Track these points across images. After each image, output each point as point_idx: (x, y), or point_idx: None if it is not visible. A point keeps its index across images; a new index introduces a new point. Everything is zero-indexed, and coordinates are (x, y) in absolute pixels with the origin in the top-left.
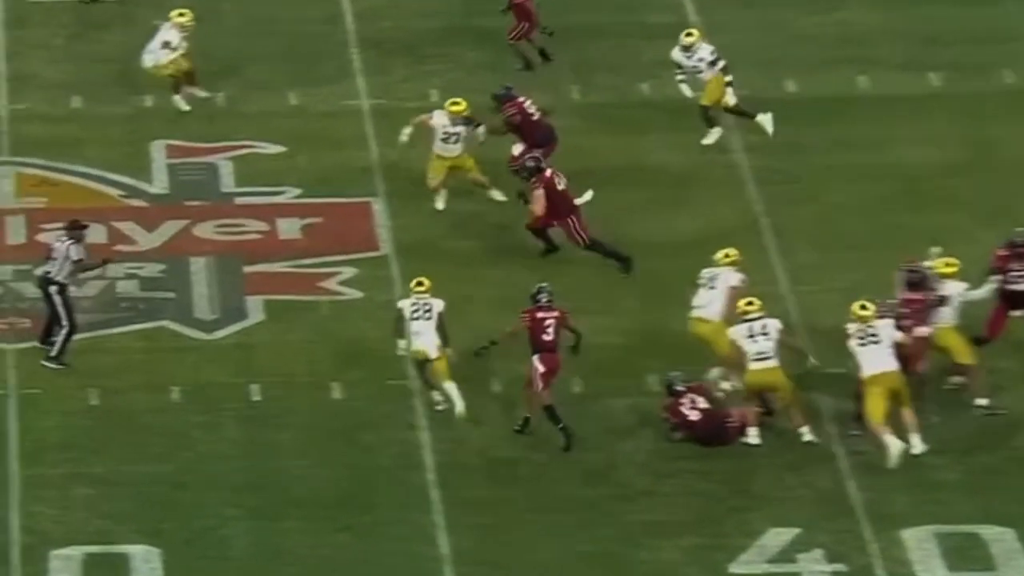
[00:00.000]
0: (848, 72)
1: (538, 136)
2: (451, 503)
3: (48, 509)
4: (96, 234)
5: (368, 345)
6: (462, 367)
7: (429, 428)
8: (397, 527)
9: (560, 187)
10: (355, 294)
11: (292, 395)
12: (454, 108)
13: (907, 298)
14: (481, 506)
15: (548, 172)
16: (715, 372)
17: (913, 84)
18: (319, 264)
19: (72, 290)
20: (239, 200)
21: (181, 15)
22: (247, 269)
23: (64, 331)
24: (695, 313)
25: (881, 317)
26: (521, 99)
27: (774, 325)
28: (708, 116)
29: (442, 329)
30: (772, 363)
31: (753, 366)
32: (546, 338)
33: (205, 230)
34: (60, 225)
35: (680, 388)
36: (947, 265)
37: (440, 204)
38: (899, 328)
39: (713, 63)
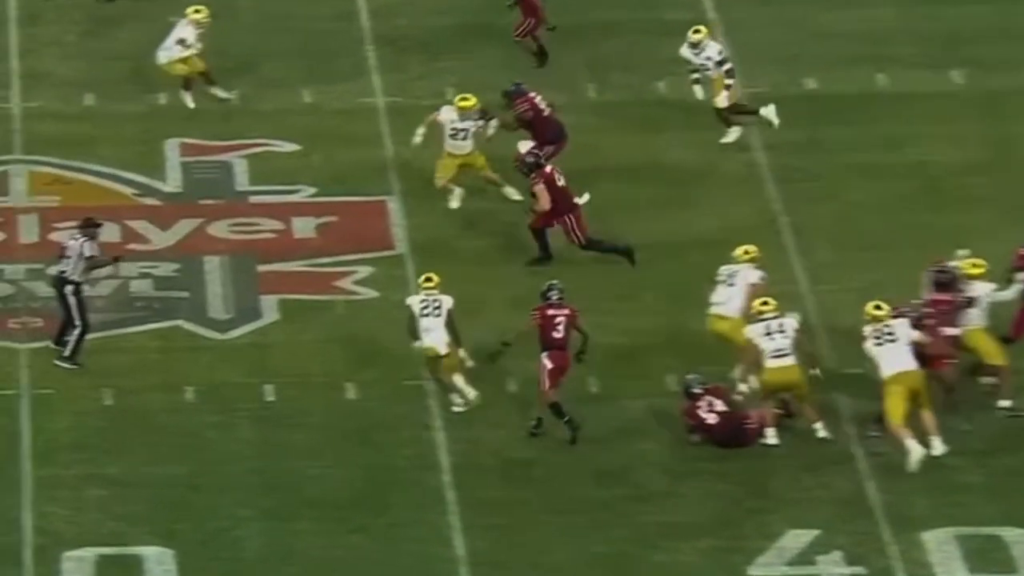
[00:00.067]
0: (868, 69)
1: (548, 133)
2: (466, 504)
3: (61, 510)
4: (110, 233)
5: (383, 345)
6: (477, 367)
7: (444, 429)
8: (412, 528)
9: (560, 183)
10: (370, 293)
11: (307, 395)
12: (463, 104)
13: (935, 299)
14: (496, 507)
15: (548, 168)
16: (740, 370)
17: (934, 82)
18: (334, 263)
19: (86, 289)
20: (254, 199)
21: (197, 12)
22: (262, 268)
23: (77, 331)
24: (714, 310)
25: (900, 317)
26: (532, 95)
27: (791, 324)
28: (724, 116)
29: (452, 326)
30: (790, 361)
31: (771, 364)
32: (556, 336)
33: (219, 229)
34: (73, 224)
35: (698, 391)
36: (974, 266)
37: (455, 203)
38: (921, 328)
39: (720, 63)
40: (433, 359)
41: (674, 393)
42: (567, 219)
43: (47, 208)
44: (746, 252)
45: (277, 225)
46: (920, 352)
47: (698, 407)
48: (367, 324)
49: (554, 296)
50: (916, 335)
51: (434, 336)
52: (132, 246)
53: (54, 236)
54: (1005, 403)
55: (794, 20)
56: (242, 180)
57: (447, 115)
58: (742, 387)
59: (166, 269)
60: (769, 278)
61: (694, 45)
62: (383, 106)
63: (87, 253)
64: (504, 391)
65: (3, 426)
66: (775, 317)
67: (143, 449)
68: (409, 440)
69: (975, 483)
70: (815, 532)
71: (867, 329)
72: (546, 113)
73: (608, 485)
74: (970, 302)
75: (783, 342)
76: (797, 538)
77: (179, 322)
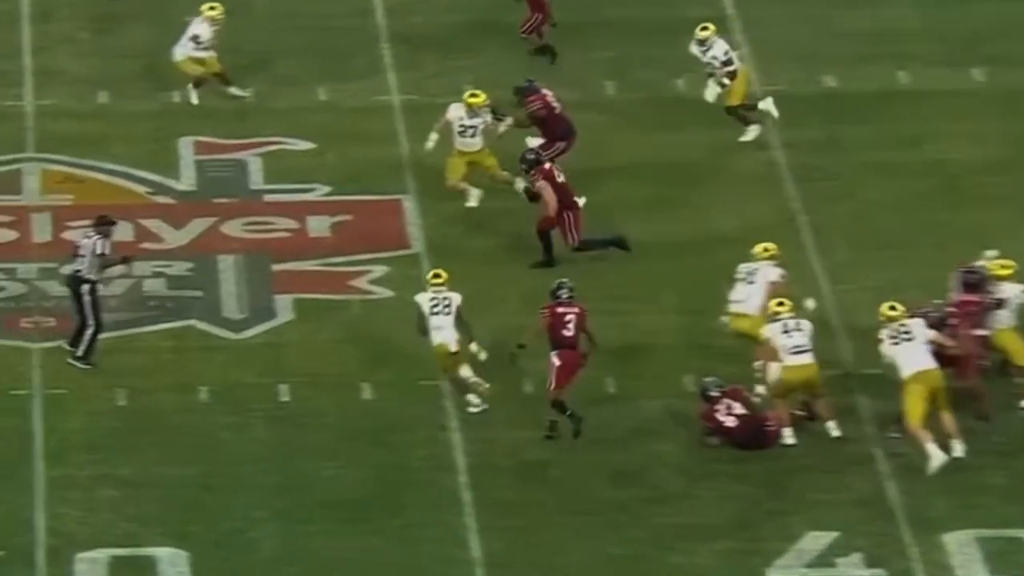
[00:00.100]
0: (888, 67)
1: (559, 130)
2: (482, 505)
3: (73, 511)
4: (123, 231)
5: (399, 345)
6: (493, 368)
7: (460, 429)
8: (427, 529)
9: (560, 180)
10: (386, 293)
11: (321, 396)
12: (473, 100)
13: (964, 300)
14: (512, 508)
15: (547, 165)
16: (760, 363)
17: (953, 80)
18: (349, 263)
19: (101, 288)
20: (268, 197)
21: (212, 9)
22: (276, 267)
23: (91, 330)
24: (733, 308)
25: (922, 318)
26: (545, 92)
27: (807, 324)
28: (740, 115)
29: (462, 322)
30: (809, 358)
31: (790, 361)
32: (566, 334)
33: (233, 228)
34: (87, 223)
35: (715, 394)
36: (1003, 267)
37: (473, 202)
38: (943, 329)
39: (725, 63)
40: (444, 356)
41: (691, 393)
42: (566, 216)
43: (60, 207)
44: (765, 250)
45: (292, 224)
46: (942, 353)
47: (716, 410)
48: (382, 324)
49: (564, 295)
50: (933, 334)
51: (445, 334)
52: (145, 245)
53: (67, 235)
54: None
55: (813, 17)
56: (256, 178)
57: (455, 112)
58: (759, 389)
59: (180, 268)
60: (788, 276)
61: (701, 42)
62: (398, 104)
63: (98, 251)
64: (520, 392)
65: (16, 426)
66: (791, 317)
67: (156, 450)
68: (425, 440)
69: (997, 484)
70: (834, 534)
71: (883, 332)
72: (558, 110)
73: (624, 486)
74: (999, 303)
75: (801, 339)
76: (816, 540)
77: (193, 322)
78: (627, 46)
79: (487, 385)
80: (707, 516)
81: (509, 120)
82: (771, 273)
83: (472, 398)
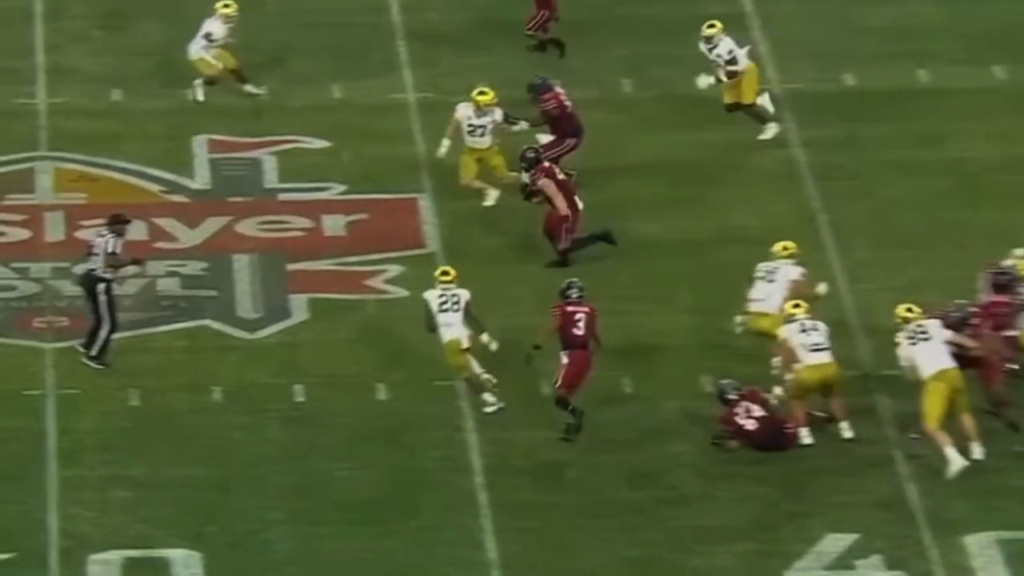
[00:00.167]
0: (908, 65)
1: (570, 128)
2: (498, 507)
3: (86, 512)
4: (137, 231)
5: (414, 345)
6: (509, 369)
7: (476, 430)
8: (443, 531)
9: (559, 178)
10: (401, 293)
11: (336, 396)
12: (481, 98)
13: (993, 301)
14: (529, 510)
15: (546, 163)
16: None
17: (974, 77)
18: (364, 262)
19: (116, 287)
20: (283, 196)
21: (226, 6)
22: (291, 267)
23: (106, 329)
24: (754, 307)
25: (943, 318)
26: (558, 90)
27: (823, 325)
28: (755, 114)
29: (471, 317)
30: (828, 356)
31: (809, 359)
32: (576, 332)
33: (248, 227)
34: (100, 221)
35: (733, 396)
36: None
37: (490, 201)
38: (964, 330)
39: (729, 62)
40: (456, 353)
41: (709, 394)
42: (568, 214)
43: (73, 205)
44: (785, 248)
45: (307, 223)
46: (964, 356)
47: (735, 414)
48: (398, 324)
49: (574, 295)
50: (950, 335)
51: (454, 330)
52: (159, 244)
53: (80, 234)
54: None
55: (833, 15)
56: (271, 177)
57: (463, 112)
58: (776, 390)
59: (194, 268)
60: (808, 274)
61: (708, 40)
62: (414, 102)
63: (109, 249)
64: (536, 393)
65: (28, 426)
66: (807, 318)
67: (170, 450)
68: (440, 441)
69: (1017, 486)
70: (854, 536)
71: (900, 335)
72: (569, 108)
73: (641, 487)
74: None
75: (819, 337)
76: (836, 542)
77: (207, 321)
78: (644, 44)
79: (494, 380)
80: (725, 518)
81: (523, 124)
82: (792, 271)
83: (487, 397)
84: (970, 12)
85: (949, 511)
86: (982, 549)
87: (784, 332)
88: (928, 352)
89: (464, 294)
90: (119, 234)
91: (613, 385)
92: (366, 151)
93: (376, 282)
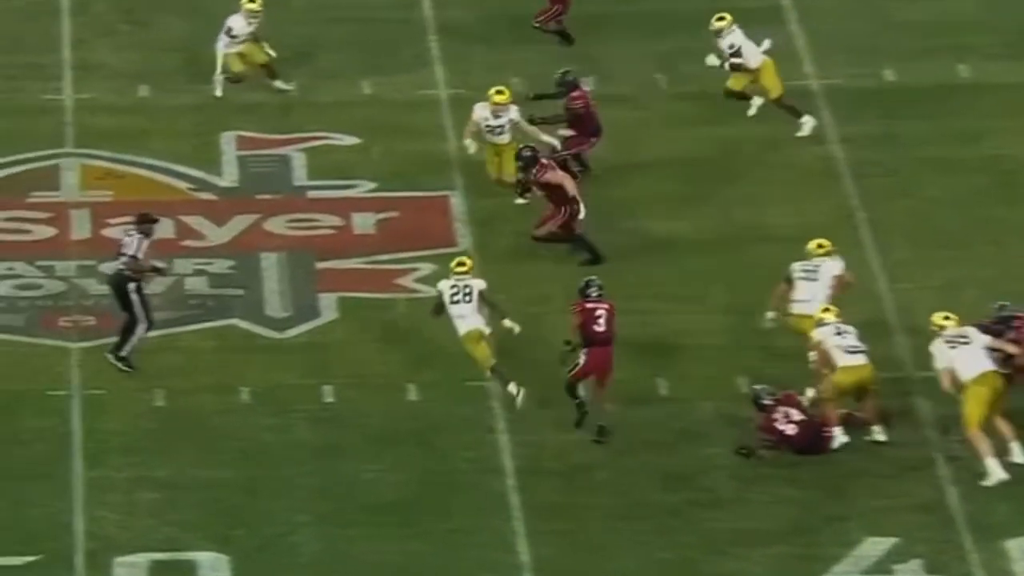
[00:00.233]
0: (947, 60)
1: (592, 126)
2: (530, 509)
3: (112, 514)
4: (163, 228)
5: (445, 345)
6: (540, 369)
7: (508, 431)
8: (474, 534)
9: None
10: (432, 292)
11: (366, 397)
12: (498, 98)
13: None
14: (561, 512)
15: (544, 160)
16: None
17: (1014, 73)
18: (395, 260)
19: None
20: (312, 194)
21: (251, 1)
22: (320, 265)
23: (142, 327)
24: (797, 308)
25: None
26: (585, 88)
27: (852, 328)
28: (788, 108)
29: (489, 303)
30: (864, 359)
31: (846, 361)
32: (597, 329)
33: (277, 225)
34: (127, 220)
35: (769, 402)
36: None
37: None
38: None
39: (734, 55)
40: (476, 341)
41: (744, 395)
42: (564, 209)
43: (99, 203)
44: (820, 246)
45: (336, 221)
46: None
47: (775, 420)
48: (428, 323)
49: (593, 292)
50: (989, 339)
51: (468, 321)
52: (186, 242)
53: (107, 232)
54: None
55: (871, 9)
56: (300, 174)
57: (480, 113)
58: (809, 392)
59: (221, 266)
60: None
61: (717, 32)
62: (445, 98)
63: (132, 252)
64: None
65: (54, 427)
66: (839, 322)
67: (196, 452)
68: (471, 443)
69: None
70: (893, 540)
71: (936, 342)
72: (593, 107)
73: (675, 490)
74: None
75: (854, 340)
76: (875, 546)
77: (234, 321)
78: (679, 39)
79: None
80: (761, 521)
81: (558, 131)
82: (834, 267)
83: (512, 388)
84: (1008, 6)
85: (990, 515)
86: None
87: (818, 335)
88: (968, 356)
89: (477, 284)
90: (147, 234)
91: (646, 386)
92: (396, 148)
93: (407, 281)
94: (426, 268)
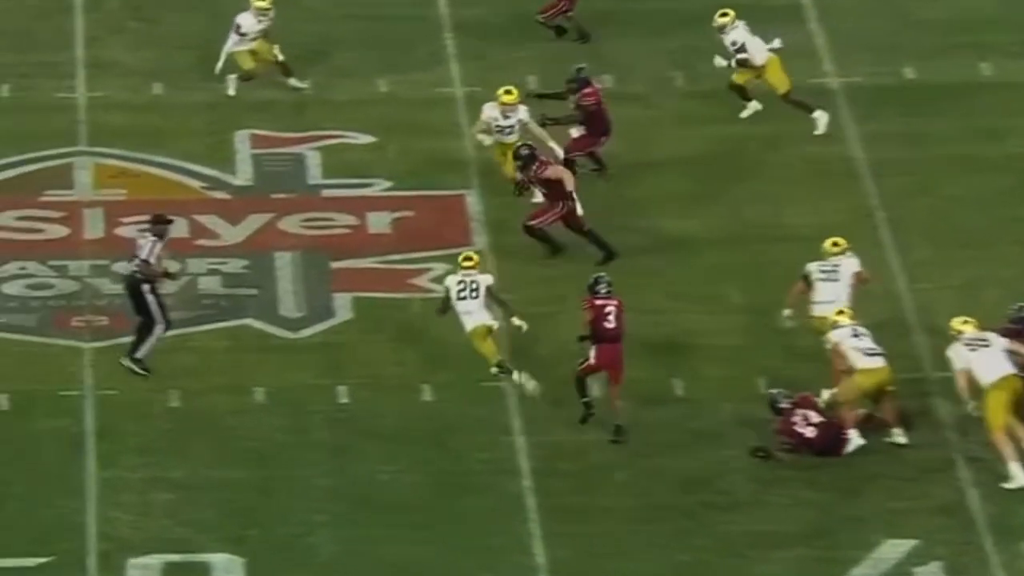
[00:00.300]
0: (968, 58)
1: (602, 124)
2: (546, 511)
3: (126, 515)
4: (177, 228)
5: (460, 345)
6: (556, 368)
7: (524, 432)
8: (490, 536)
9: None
10: None
11: (381, 397)
12: (507, 98)
13: None
14: (577, 514)
15: (543, 157)
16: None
17: None
18: (410, 260)
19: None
20: (327, 192)
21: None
22: (335, 265)
23: (160, 328)
24: (818, 310)
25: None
26: (597, 85)
27: (867, 331)
28: (798, 103)
29: (495, 299)
30: (883, 361)
31: (864, 364)
32: (607, 325)
33: (291, 224)
34: (140, 219)
35: (786, 405)
36: None
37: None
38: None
39: (738, 51)
40: (483, 336)
41: (763, 396)
42: (560, 204)
43: (113, 202)
44: (836, 244)
45: (351, 220)
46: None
47: (794, 423)
48: (443, 323)
49: (602, 290)
50: (1008, 342)
51: (475, 317)
52: (200, 241)
53: (120, 231)
54: None
55: (891, 7)
56: (315, 173)
57: (489, 113)
58: (824, 394)
59: (235, 265)
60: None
61: (720, 28)
62: (462, 96)
63: (144, 255)
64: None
65: (67, 427)
66: (855, 324)
67: (210, 452)
68: (487, 444)
69: None
70: (913, 542)
71: (954, 346)
72: (603, 105)
73: (693, 492)
74: None
75: (871, 342)
76: (894, 548)
77: (248, 321)
78: (692, 36)
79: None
80: (779, 523)
81: (574, 132)
82: (853, 265)
83: (517, 377)
84: None
85: (1011, 517)
86: None
87: (835, 337)
88: (988, 359)
89: (484, 279)
90: (160, 235)
91: (663, 386)
92: (412, 146)
93: (422, 281)
94: (441, 268)
